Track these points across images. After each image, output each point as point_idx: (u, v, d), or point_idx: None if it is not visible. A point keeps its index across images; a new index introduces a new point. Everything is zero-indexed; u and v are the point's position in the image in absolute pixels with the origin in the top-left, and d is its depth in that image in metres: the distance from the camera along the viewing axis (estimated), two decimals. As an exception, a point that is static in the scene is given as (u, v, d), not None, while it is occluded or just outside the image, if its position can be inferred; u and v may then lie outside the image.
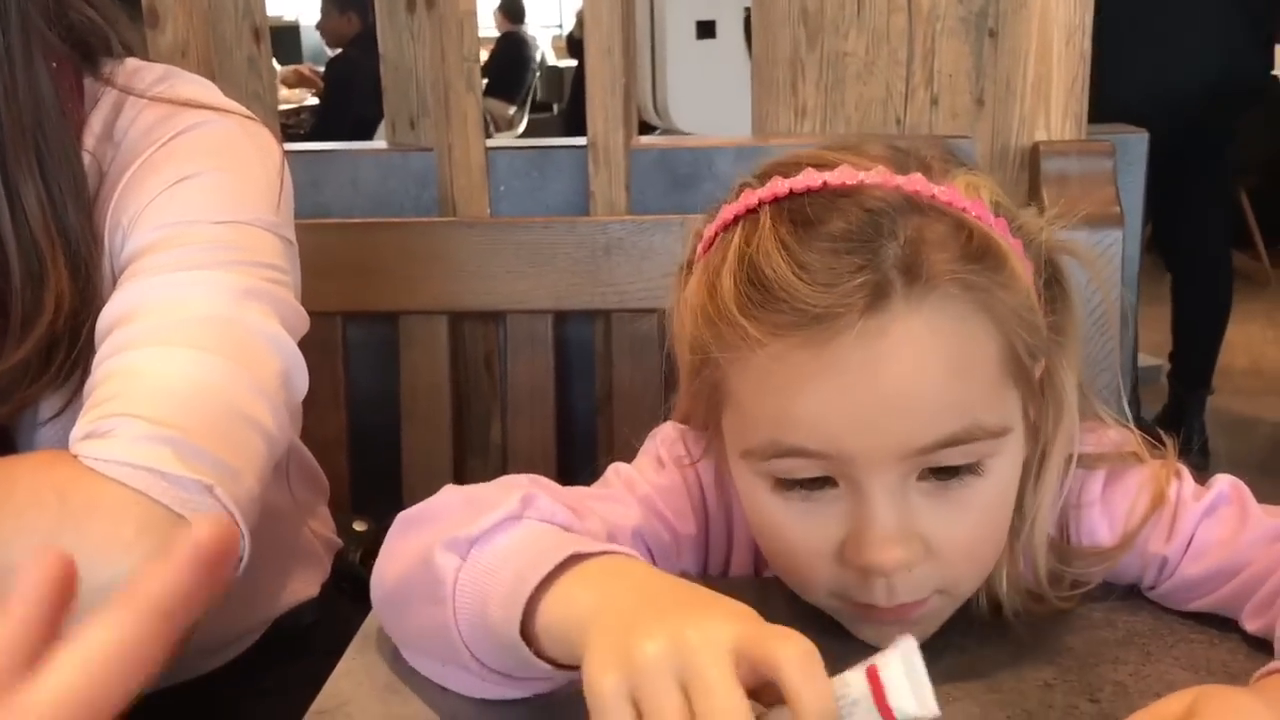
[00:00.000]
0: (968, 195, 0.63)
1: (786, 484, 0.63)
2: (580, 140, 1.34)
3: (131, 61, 0.87)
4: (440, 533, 0.62)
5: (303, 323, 0.84)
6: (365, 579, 1.11)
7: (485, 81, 5.42)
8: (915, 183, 0.63)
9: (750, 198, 0.65)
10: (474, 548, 0.60)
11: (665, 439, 0.79)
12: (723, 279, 0.63)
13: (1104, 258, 1.14)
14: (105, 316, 0.76)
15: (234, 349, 0.75)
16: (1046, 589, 0.69)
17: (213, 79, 1.34)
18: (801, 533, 0.64)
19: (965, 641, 0.66)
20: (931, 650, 0.64)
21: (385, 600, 0.68)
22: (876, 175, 0.63)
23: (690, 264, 0.69)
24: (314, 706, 0.62)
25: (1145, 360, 3.24)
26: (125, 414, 0.69)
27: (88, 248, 0.78)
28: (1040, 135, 1.26)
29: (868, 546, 0.61)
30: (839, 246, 0.60)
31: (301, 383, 0.81)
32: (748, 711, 0.46)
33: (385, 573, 0.68)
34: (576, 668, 0.51)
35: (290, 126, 5.18)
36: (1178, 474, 0.72)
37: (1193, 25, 2.75)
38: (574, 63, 6.23)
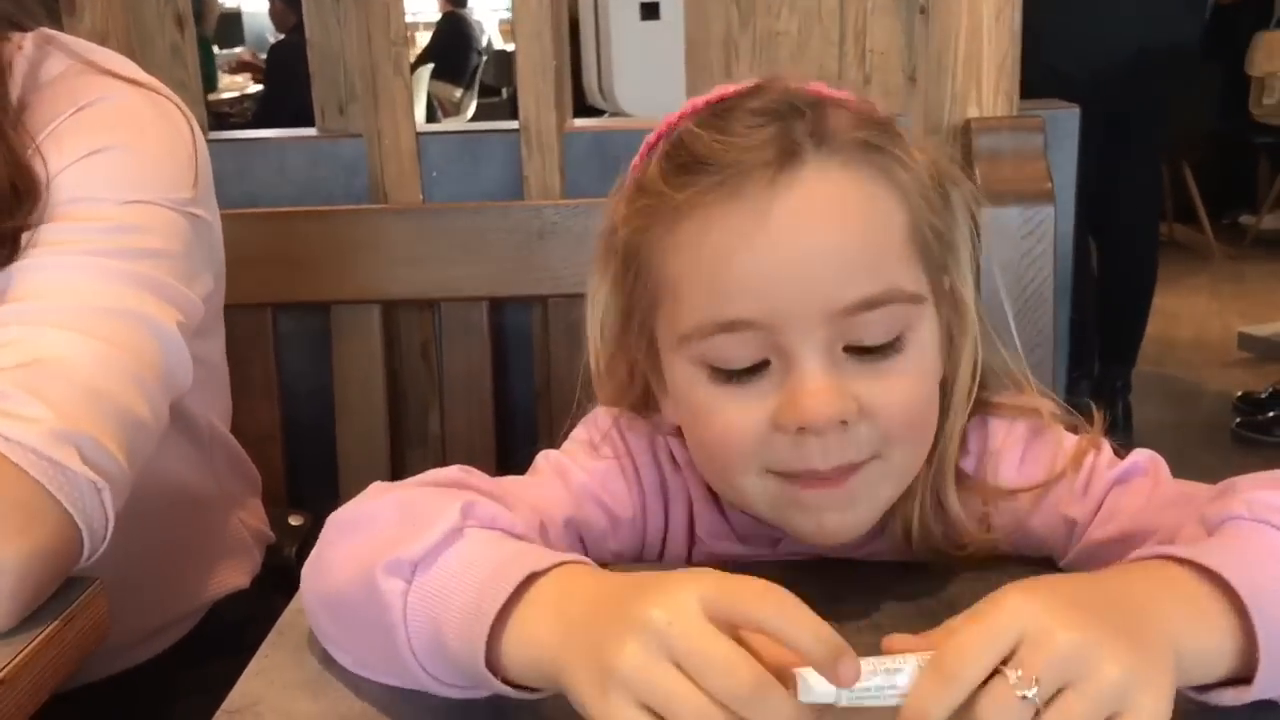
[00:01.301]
0: (862, 101, 0.71)
1: (724, 374, 0.66)
2: (513, 124, 1.32)
3: (47, 31, 0.87)
4: (379, 549, 0.60)
5: (196, 313, 0.85)
6: (299, 574, 1.10)
7: (430, 65, 5.37)
8: (818, 85, 0.71)
9: (670, 118, 0.71)
10: (418, 571, 0.59)
11: (597, 423, 0.79)
12: (649, 171, 0.70)
13: (1034, 234, 1.14)
14: None
15: (123, 338, 0.77)
16: (957, 520, 0.71)
17: (134, 67, 1.32)
18: (737, 411, 0.66)
19: (882, 620, 0.66)
20: (848, 629, 0.64)
21: (321, 607, 0.66)
22: (782, 81, 0.70)
23: (613, 228, 0.73)
24: (224, 706, 0.61)
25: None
26: (37, 399, 0.70)
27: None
28: (972, 112, 1.26)
29: (801, 402, 0.64)
30: (753, 121, 0.66)
31: (185, 376, 0.83)
32: (750, 661, 0.48)
33: (319, 582, 0.66)
34: (545, 690, 0.54)
35: (233, 115, 5.11)
36: (1097, 446, 0.73)
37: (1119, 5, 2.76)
38: (521, 47, 6.17)
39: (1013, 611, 0.50)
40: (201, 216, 0.87)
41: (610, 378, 0.78)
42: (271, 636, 0.68)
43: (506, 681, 0.56)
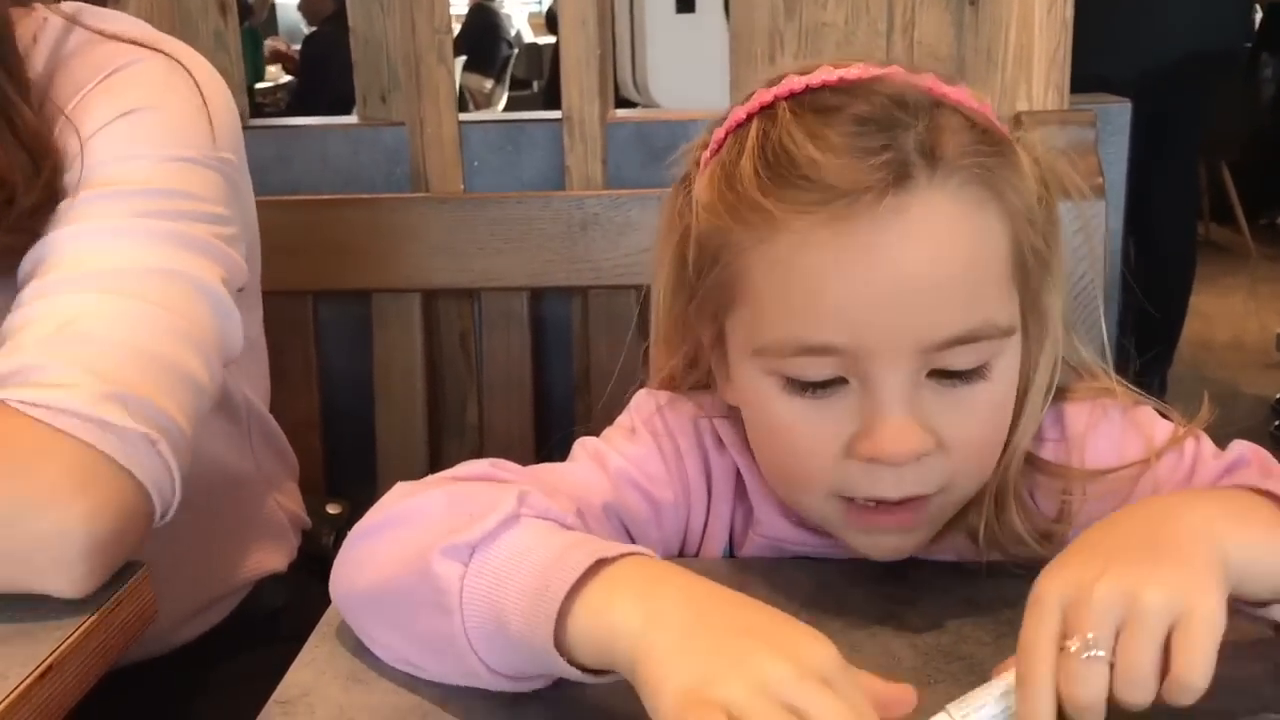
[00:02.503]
0: (976, 100, 0.66)
1: (799, 385, 0.64)
2: (555, 114, 1.31)
3: (73, 3, 0.87)
4: (432, 538, 0.59)
5: (240, 273, 0.84)
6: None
7: (462, 58, 5.37)
8: (929, 80, 0.65)
9: (764, 95, 0.66)
10: (476, 553, 0.58)
11: (639, 407, 0.78)
12: (742, 166, 0.64)
13: (1084, 231, 1.12)
14: (35, 254, 0.77)
15: (171, 299, 0.76)
16: (1029, 515, 0.70)
17: (177, 54, 1.32)
18: (810, 430, 0.64)
19: (946, 621, 0.64)
20: (910, 629, 0.63)
21: (362, 604, 0.65)
22: (892, 71, 0.65)
23: (688, 178, 0.70)
24: (275, 696, 0.60)
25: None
26: (76, 365, 0.70)
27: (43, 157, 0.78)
28: (1022, 105, 1.24)
29: (882, 437, 0.62)
30: (861, 129, 0.61)
31: (236, 336, 0.82)
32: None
33: (359, 578, 0.64)
34: (608, 672, 0.53)
35: (267, 105, 5.13)
36: (1195, 435, 0.71)
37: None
38: (553, 39, 6.18)
39: (1045, 592, 0.51)
40: (233, 174, 0.86)
41: (667, 347, 0.76)
42: (320, 627, 0.67)
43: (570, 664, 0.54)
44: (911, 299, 0.61)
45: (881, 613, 0.65)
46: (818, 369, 0.63)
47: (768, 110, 0.65)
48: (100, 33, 0.83)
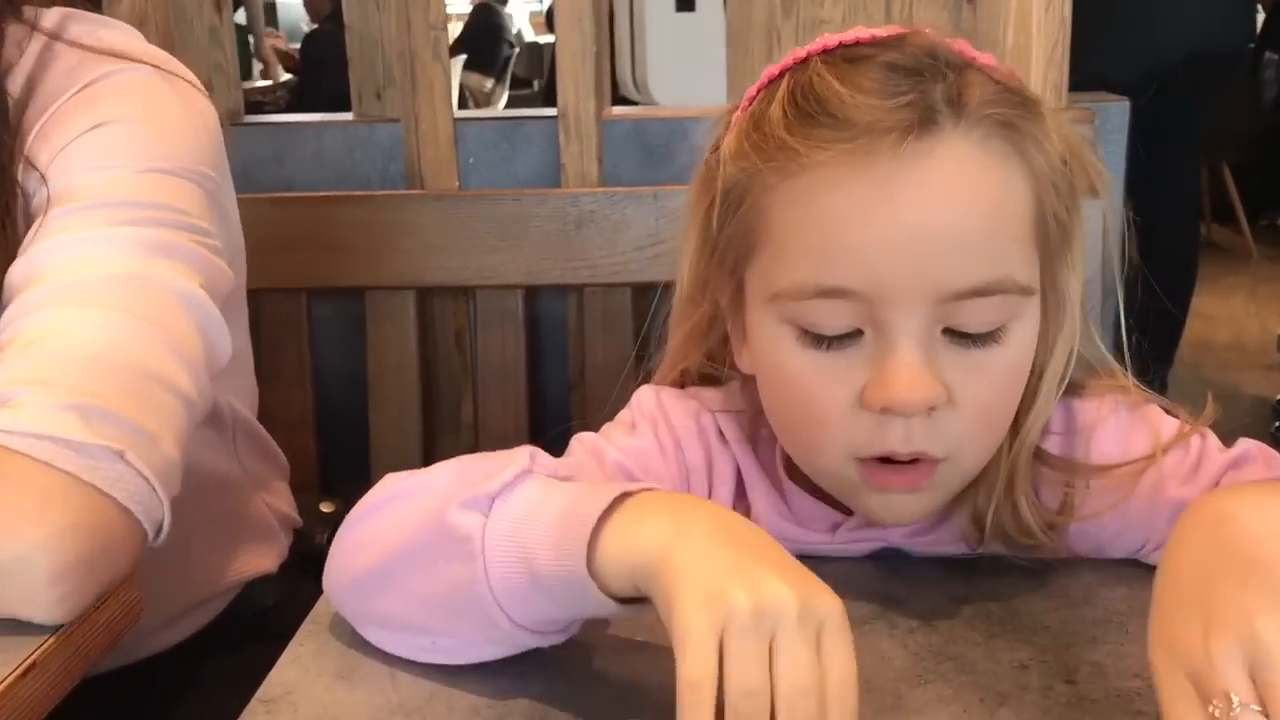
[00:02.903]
0: (1004, 67, 0.66)
1: (814, 338, 0.63)
2: (551, 111, 1.30)
3: (59, 10, 0.84)
4: (445, 500, 0.58)
5: (225, 281, 0.81)
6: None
7: (463, 56, 5.37)
8: (960, 44, 0.66)
9: (798, 53, 0.67)
10: (496, 502, 0.57)
11: (640, 402, 0.77)
12: (770, 111, 0.65)
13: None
14: (13, 276, 0.74)
15: (146, 308, 0.72)
16: (1032, 507, 0.68)
17: (172, 50, 1.31)
18: (823, 382, 0.64)
19: (937, 621, 0.64)
20: (902, 629, 0.63)
21: (361, 578, 0.64)
22: (924, 30, 0.66)
23: (717, 143, 0.70)
24: (258, 694, 0.59)
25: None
26: (30, 381, 0.67)
27: (7, 196, 0.76)
28: (1020, 104, 1.23)
29: (894, 384, 0.61)
30: (891, 74, 0.62)
31: (222, 344, 0.79)
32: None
33: (359, 554, 0.64)
34: (638, 600, 0.52)
35: (266, 103, 5.12)
36: (1201, 432, 0.71)
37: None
38: (553, 38, 6.17)
39: (1164, 668, 0.48)
40: (217, 191, 0.83)
41: (686, 318, 0.76)
42: (306, 625, 0.66)
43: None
44: (930, 244, 0.61)
45: (873, 611, 0.65)
46: (833, 316, 0.62)
47: (801, 64, 0.66)
48: (82, 45, 0.81)
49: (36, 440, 0.64)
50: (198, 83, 0.87)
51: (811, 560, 0.70)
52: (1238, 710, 0.45)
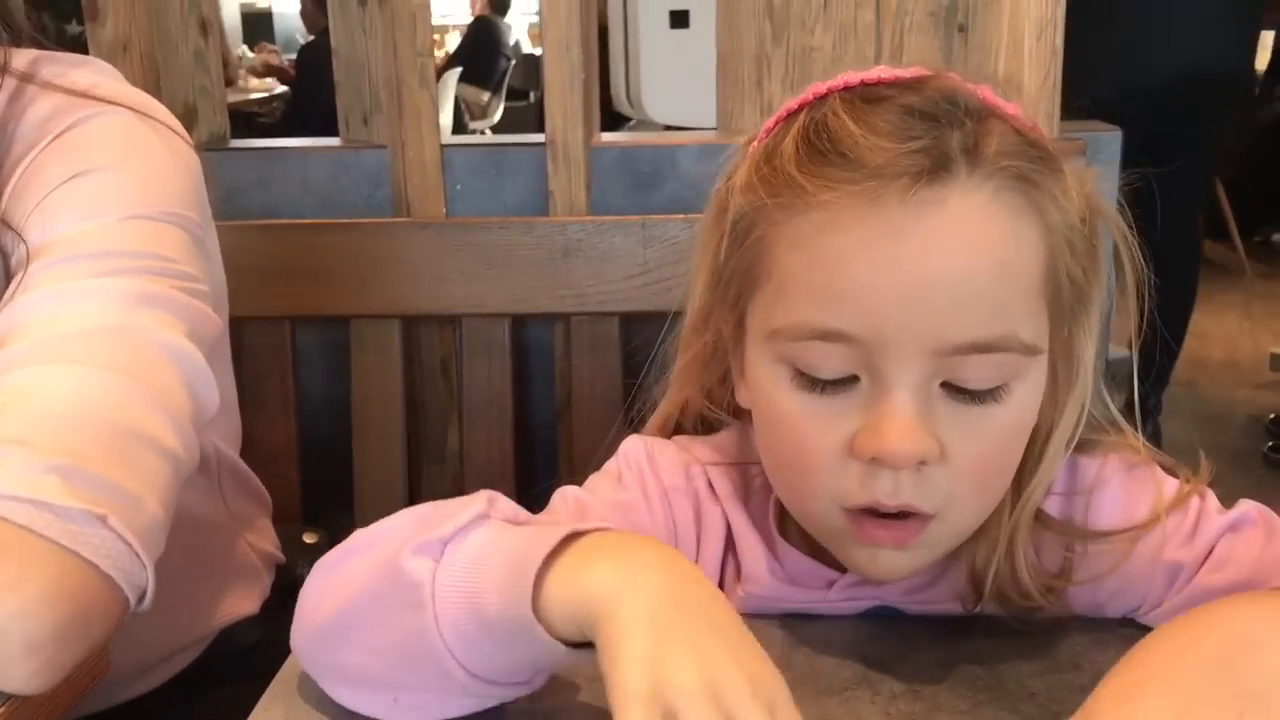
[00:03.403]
0: (1028, 119, 0.65)
1: (809, 381, 0.62)
2: (539, 137, 1.29)
3: (30, 51, 0.82)
4: (401, 544, 0.58)
5: (213, 329, 0.80)
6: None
7: (459, 69, 5.36)
8: (984, 90, 0.64)
9: (818, 88, 0.66)
10: (448, 547, 0.56)
11: (626, 454, 0.76)
12: (784, 146, 0.64)
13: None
14: None
15: (128, 362, 0.70)
16: (1032, 568, 0.67)
17: (157, 75, 1.30)
18: (815, 426, 0.62)
19: (921, 687, 0.62)
20: (884, 695, 0.61)
21: (322, 632, 0.63)
22: (949, 74, 0.65)
23: (732, 174, 0.69)
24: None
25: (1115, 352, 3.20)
26: (9, 440, 0.65)
27: None
28: (1011, 134, 1.22)
29: (885, 434, 0.60)
30: (906, 119, 0.61)
31: (209, 396, 0.76)
32: None
33: (320, 607, 0.63)
34: (585, 645, 0.51)
35: (262, 115, 5.11)
36: (1201, 492, 0.70)
37: (1174, 13, 2.70)
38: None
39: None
40: (201, 236, 0.82)
41: (689, 348, 0.75)
42: (274, 687, 0.64)
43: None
44: (934, 294, 0.59)
45: (855, 676, 0.63)
46: (830, 360, 0.61)
47: (820, 100, 0.65)
48: (57, 87, 0.79)
49: (16, 504, 0.62)
50: (177, 124, 0.85)
51: (798, 620, 0.69)
52: None
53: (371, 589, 0.59)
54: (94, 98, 0.79)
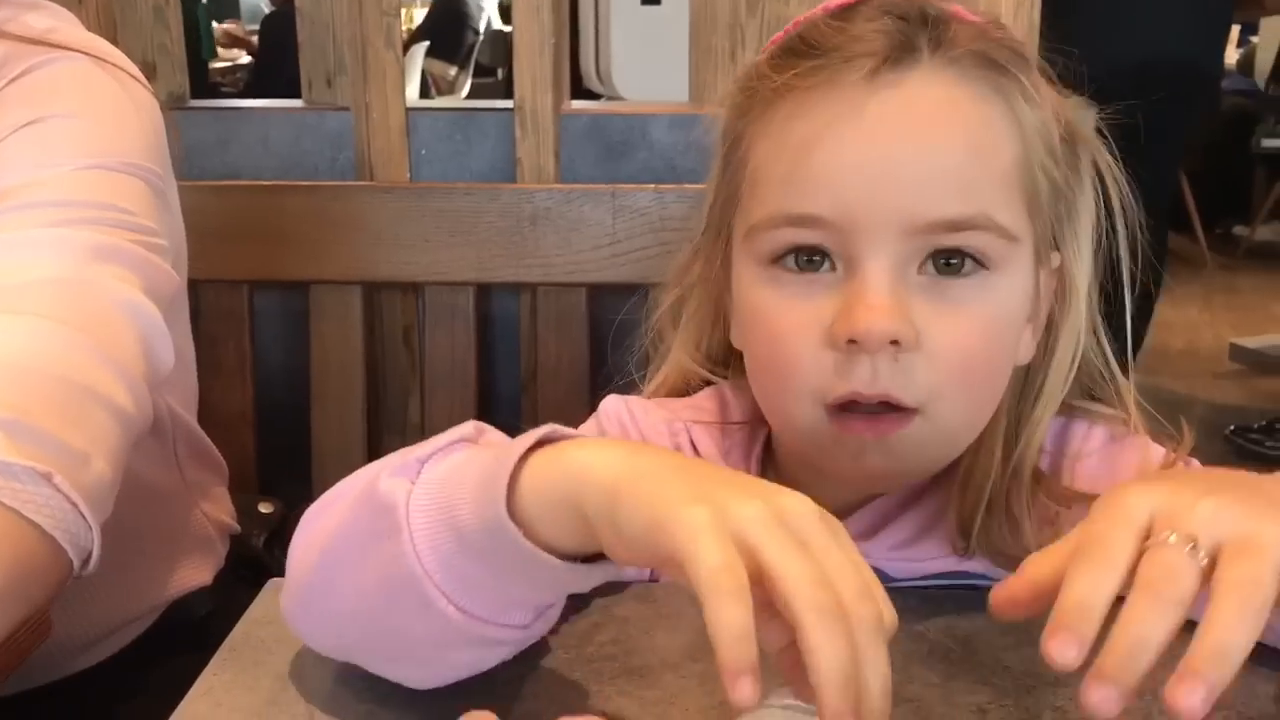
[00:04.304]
0: (999, 26, 0.66)
1: (783, 263, 0.62)
2: (507, 103, 1.27)
3: None
4: (379, 471, 0.54)
5: (171, 286, 0.77)
6: (268, 565, 1.05)
7: (426, 43, 5.30)
8: (957, 7, 0.65)
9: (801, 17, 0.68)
10: (426, 466, 0.52)
11: (606, 412, 0.75)
12: (760, 56, 0.66)
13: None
14: None
15: (80, 316, 0.67)
16: (1023, 522, 0.65)
17: (115, 30, 1.26)
18: (793, 317, 0.62)
19: (893, 657, 0.61)
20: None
21: (312, 579, 0.57)
22: None
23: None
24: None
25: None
26: None
27: None
28: (986, 110, 1.21)
29: (857, 313, 0.59)
30: (875, 14, 0.62)
31: (164, 354, 0.74)
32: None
33: (305, 558, 0.57)
34: (573, 557, 0.48)
35: (225, 85, 5.03)
36: (1185, 460, 0.69)
37: (1144, 11, 2.71)
38: (519, 27, 6.10)
39: (1138, 495, 0.43)
40: (162, 187, 0.79)
41: (690, 307, 0.75)
42: (222, 652, 0.62)
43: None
44: (901, 173, 0.59)
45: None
46: (803, 242, 0.61)
47: (801, 22, 0.67)
48: (9, 33, 0.76)
49: None
50: (138, 72, 0.82)
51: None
52: (1190, 548, 0.40)
53: (350, 521, 0.55)
54: (50, 44, 0.76)
